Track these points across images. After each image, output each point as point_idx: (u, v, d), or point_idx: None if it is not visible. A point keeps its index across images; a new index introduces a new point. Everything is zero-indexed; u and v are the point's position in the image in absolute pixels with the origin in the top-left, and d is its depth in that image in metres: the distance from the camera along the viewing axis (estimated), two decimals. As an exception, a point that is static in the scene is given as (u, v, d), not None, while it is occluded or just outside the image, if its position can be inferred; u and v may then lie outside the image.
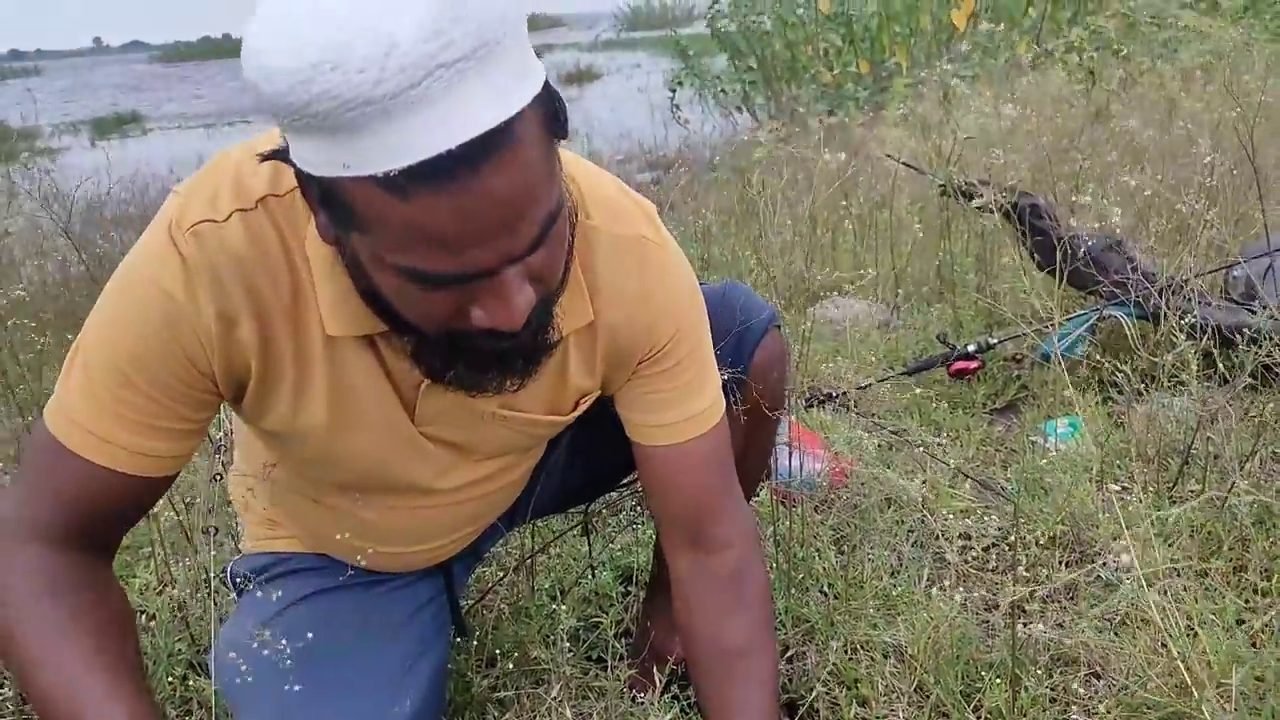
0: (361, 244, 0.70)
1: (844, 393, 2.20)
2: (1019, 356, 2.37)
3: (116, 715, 0.79)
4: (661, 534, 1.08)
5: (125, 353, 0.80)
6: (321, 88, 0.60)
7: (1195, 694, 1.03)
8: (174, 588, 1.49)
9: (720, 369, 1.04)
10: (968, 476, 1.78)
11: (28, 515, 0.85)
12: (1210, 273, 2.18)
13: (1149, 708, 1.08)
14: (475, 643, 1.31)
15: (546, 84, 0.69)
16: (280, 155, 0.71)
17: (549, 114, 0.69)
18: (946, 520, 1.61)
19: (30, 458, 0.87)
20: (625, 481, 1.38)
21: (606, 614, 1.42)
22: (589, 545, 1.58)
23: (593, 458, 1.19)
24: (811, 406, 2.13)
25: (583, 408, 1.01)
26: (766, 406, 1.15)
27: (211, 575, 1.17)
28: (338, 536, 1.01)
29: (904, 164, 2.86)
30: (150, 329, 0.79)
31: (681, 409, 0.99)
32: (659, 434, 1.00)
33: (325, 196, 0.68)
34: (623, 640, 1.35)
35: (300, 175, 0.69)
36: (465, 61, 0.61)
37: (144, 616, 1.49)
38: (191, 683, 1.27)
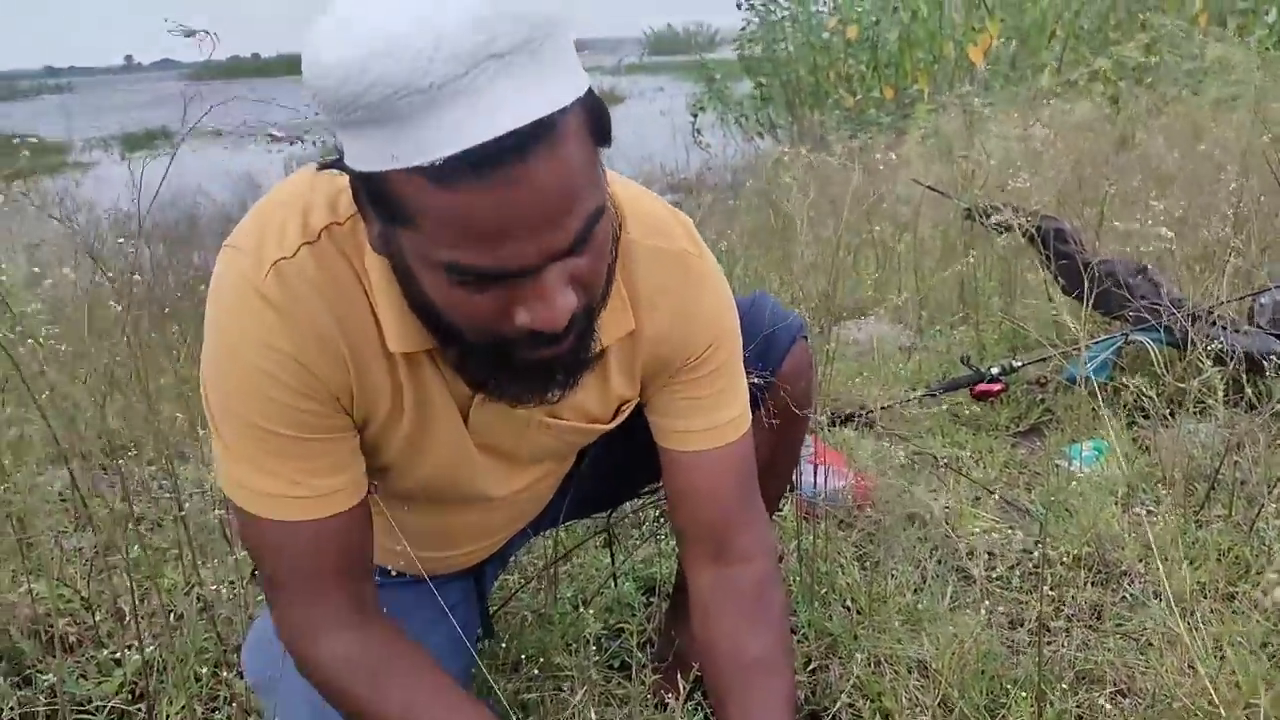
0: (409, 242, 0.71)
1: (868, 412, 2.21)
2: (1043, 380, 2.36)
3: None
4: (683, 546, 1.08)
5: (274, 420, 0.82)
6: (373, 77, 0.63)
7: (1224, 713, 1.02)
8: (201, 588, 1.50)
9: (748, 373, 1.05)
10: (992, 493, 1.77)
11: (307, 609, 0.89)
12: (1238, 299, 2.17)
13: (1175, 726, 1.08)
14: (502, 646, 1.32)
15: (591, 91, 0.71)
16: (336, 164, 0.73)
17: (593, 118, 0.71)
18: (971, 538, 1.61)
19: (263, 554, 0.89)
20: (646, 490, 1.39)
21: (630, 623, 1.43)
22: (612, 556, 1.59)
23: (617, 464, 1.20)
24: (835, 425, 2.14)
25: (623, 415, 1.02)
26: (794, 408, 1.15)
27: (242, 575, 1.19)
28: (390, 546, 1.02)
29: (928, 187, 2.87)
30: (279, 389, 0.81)
31: (711, 416, 1.00)
32: (688, 440, 1.01)
33: (375, 194, 0.70)
34: (646, 650, 1.36)
35: (353, 180, 0.71)
36: (512, 55, 0.64)
37: (171, 616, 1.50)
38: (223, 675, 1.29)
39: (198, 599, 1.49)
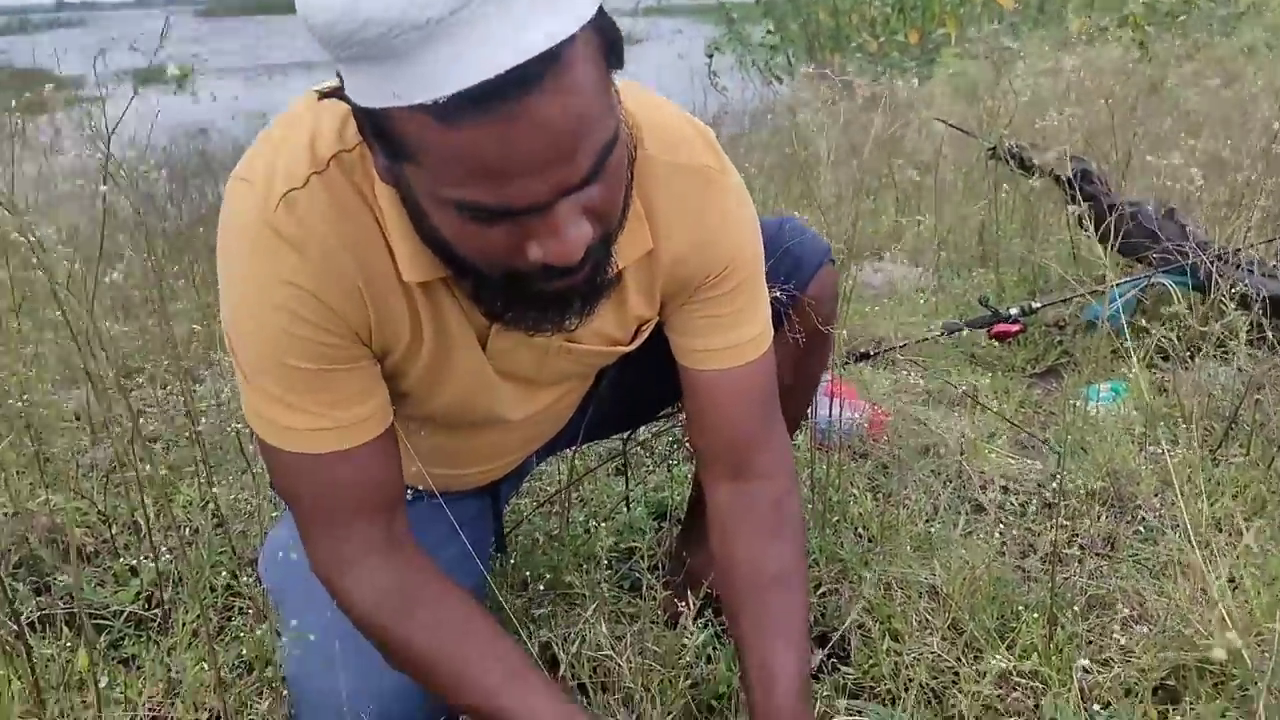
0: (417, 177, 0.69)
1: (884, 351, 2.19)
2: (1062, 323, 2.34)
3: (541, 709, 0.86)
4: (702, 466, 1.08)
5: (294, 354, 0.81)
6: (368, 13, 0.60)
7: (1236, 639, 1.02)
8: (215, 502, 1.52)
9: (773, 290, 1.03)
10: (1009, 422, 1.77)
11: (337, 542, 0.89)
12: (1266, 243, 2.14)
13: (1185, 649, 1.08)
14: (511, 564, 1.33)
15: (601, 11, 0.68)
16: (337, 93, 0.70)
17: (604, 41, 0.68)
18: (985, 471, 1.60)
19: (291, 489, 0.89)
20: (663, 413, 1.39)
21: (640, 543, 1.44)
22: (626, 480, 1.59)
23: (635, 384, 1.19)
24: (849, 363, 2.12)
25: (643, 336, 1.01)
26: (820, 323, 1.14)
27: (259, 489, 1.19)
28: (406, 465, 1.02)
29: (951, 126, 2.82)
30: (302, 325, 0.80)
31: (733, 335, 0.99)
32: (709, 359, 1.00)
33: (379, 130, 0.67)
34: (656, 573, 1.36)
35: (356, 113, 0.69)
36: None
37: (187, 531, 1.52)
38: (244, 579, 1.30)
39: (213, 514, 1.51)
